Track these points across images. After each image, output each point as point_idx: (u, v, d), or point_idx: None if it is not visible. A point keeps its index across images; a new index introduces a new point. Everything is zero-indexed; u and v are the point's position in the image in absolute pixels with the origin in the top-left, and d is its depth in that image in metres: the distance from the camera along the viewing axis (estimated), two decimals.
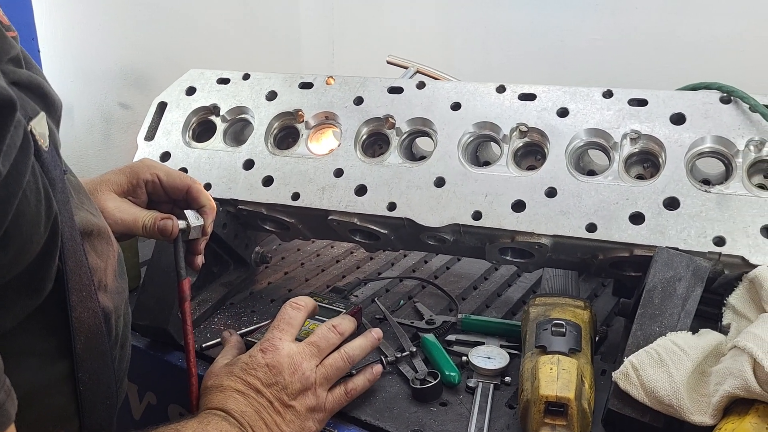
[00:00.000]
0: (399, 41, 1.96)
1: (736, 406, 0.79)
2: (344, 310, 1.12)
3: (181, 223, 0.95)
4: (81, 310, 0.69)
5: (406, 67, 1.46)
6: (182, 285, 0.95)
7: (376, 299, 1.27)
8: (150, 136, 1.29)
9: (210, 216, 0.99)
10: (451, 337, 1.12)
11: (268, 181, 1.18)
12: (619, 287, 1.30)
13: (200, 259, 1.01)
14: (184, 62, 1.50)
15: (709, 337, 0.89)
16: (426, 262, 1.47)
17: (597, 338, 1.11)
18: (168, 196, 1.01)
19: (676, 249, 0.95)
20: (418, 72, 1.44)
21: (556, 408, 0.81)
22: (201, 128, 1.30)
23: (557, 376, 0.83)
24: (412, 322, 1.17)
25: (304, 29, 2.02)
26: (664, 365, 0.84)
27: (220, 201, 1.18)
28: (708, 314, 1.01)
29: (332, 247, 1.55)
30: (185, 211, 0.97)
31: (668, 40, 1.54)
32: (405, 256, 1.50)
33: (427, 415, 0.94)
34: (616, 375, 0.86)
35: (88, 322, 0.70)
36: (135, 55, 1.51)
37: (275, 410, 0.85)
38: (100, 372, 0.72)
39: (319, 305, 1.13)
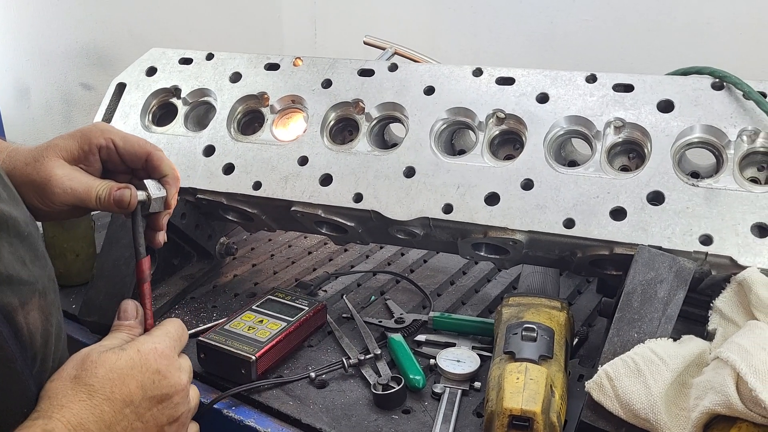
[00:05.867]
0: (384, 20, 1.88)
1: (717, 422, 0.73)
2: (307, 307, 1.05)
3: (141, 194, 0.83)
4: None
5: (383, 48, 1.38)
6: (141, 264, 0.84)
7: (344, 295, 1.20)
8: (107, 119, 1.21)
9: (174, 186, 0.88)
10: (421, 337, 1.06)
11: (228, 168, 1.11)
12: (603, 284, 1.23)
13: (162, 236, 0.89)
14: (152, 40, 1.42)
15: (691, 344, 0.82)
16: (403, 254, 1.40)
17: (576, 340, 1.05)
18: (125, 164, 0.88)
19: (659, 248, 0.88)
20: (396, 53, 1.36)
21: (520, 422, 0.74)
22: (162, 111, 1.22)
23: (524, 386, 0.77)
24: (380, 321, 1.10)
25: (285, 6, 1.94)
26: (641, 375, 0.77)
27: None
28: (694, 316, 0.95)
29: (305, 237, 1.48)
30: (145, 180, 0.85)
31: (663, 22, 1.45)
32: (381, 248, 1.43)
33: (387, 423, 0.88)
34: (589, 385, 0.79)
35: None
36: (97, 33, 1.43)
37: None
38: (6, 378, 0.63)
39: (281, 302, 1.07)
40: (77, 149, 0.86)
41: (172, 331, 0.76)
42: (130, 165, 0.89)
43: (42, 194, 0.81)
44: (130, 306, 0.80)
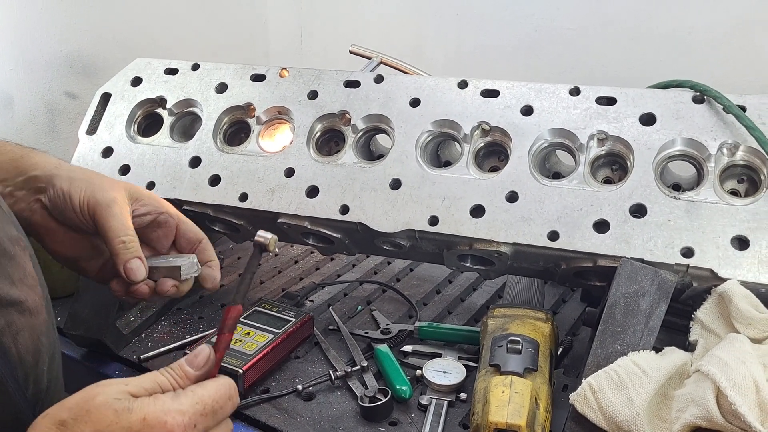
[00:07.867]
0: (370, 28, 1.88)
1: None
2: (294, 319, 1.05)
3: (266, 234, 0.71)
4: None
5: (369, 58, 1.39)
6: (229, 311, 0.68)
7: (331, 306, 1.20)
8: (92, 129, 1.21)
9: (217, 271, 0.94)
10: (407, 348, 1.06)
11: (215, 180, 1.11)
12: (587, 294, 1.24)
13: (171, 291, 0.90)
14: (138, 49, 1.41)
15: (673, 356, 0.83)
16: (389, 263, 1.41)
17: (561, 350, 1.06)
18: (171, 241, 0.95)
19: (642, 260, 0.89)
20: (382, 63, 1.37)
21: None
22: (147, 122, 1.22)
23: (509, 400, 0.78)
24: (366, 333, 1.10)
25: (270, 15, 1.94)
26: (624, 388, 0.78)
27: None
28: (677, 326, 0.96)
29: (291, 246, 1.48)
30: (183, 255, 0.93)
31: (645, 31, 1.47)
32: (367, 257, 1.44)
33: None
34: (573, 397, 0.80)
35: None
36: (82, 41, 1.42)
37: None
38: None
39: (268, 314, 1.07)
40: (146, 203, 0.91)
41: (208, 399, 0.61)
42: (179, 248, 0.94)
43: (93, 190, 0.85)
44: (202, 353, 0.65)
